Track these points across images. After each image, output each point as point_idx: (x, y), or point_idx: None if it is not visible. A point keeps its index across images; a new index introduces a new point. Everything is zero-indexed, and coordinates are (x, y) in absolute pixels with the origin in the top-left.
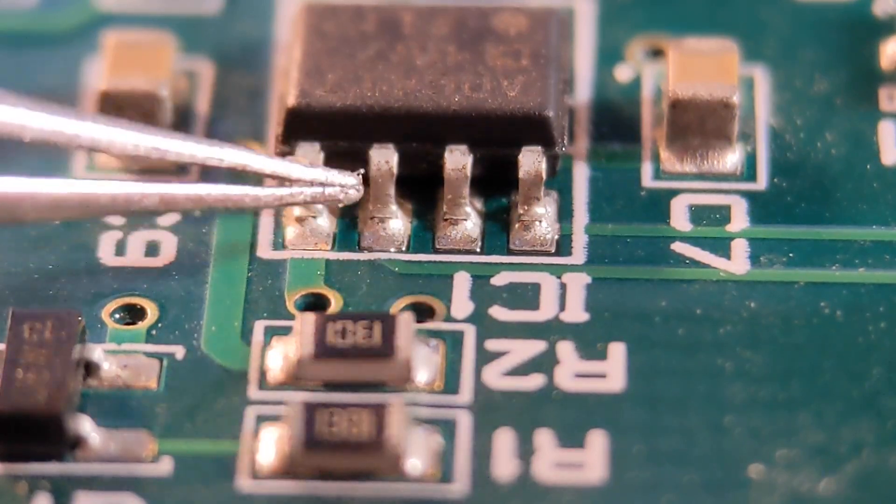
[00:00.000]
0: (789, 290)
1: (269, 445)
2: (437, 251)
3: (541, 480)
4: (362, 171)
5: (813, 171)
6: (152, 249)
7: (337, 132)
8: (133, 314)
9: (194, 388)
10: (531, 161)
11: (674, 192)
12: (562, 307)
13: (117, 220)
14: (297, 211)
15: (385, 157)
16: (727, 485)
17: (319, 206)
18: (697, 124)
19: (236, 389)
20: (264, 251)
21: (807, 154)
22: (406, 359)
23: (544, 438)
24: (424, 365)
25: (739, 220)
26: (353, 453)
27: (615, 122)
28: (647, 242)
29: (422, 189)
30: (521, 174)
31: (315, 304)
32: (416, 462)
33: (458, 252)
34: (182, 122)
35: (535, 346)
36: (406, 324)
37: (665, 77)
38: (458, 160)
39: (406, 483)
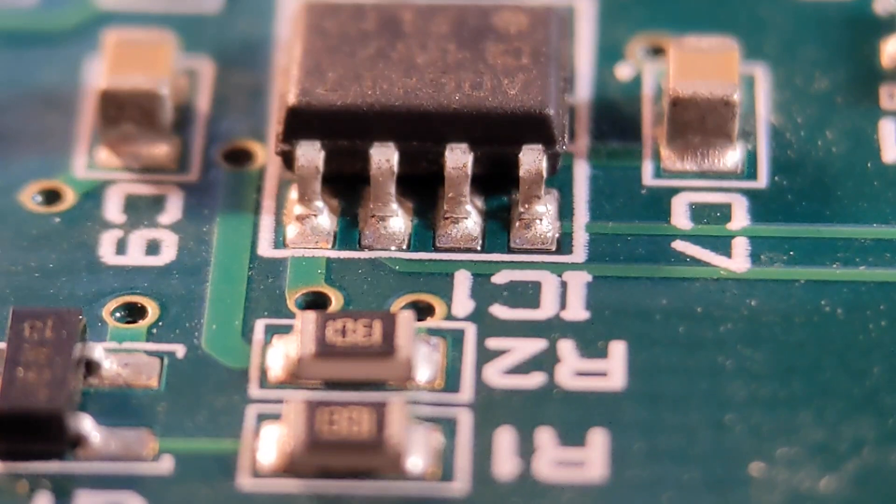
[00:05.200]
0: (790, 289)
1: (269, 444)
2: (437, 249)
3: (541, 479)
4: None
5: (813, 169)
6: (153, 248)
7: (337, 131)
8: (134, 313)
9: (195, 387)
10: (532, 159)
11: (674, 191)
12: (562, 305)
13: (118, 218)
14: (298, 209)
15: (385, 156)
16: (728, 483)
17: (320, 205)
18: (698, 122)
19: (237, 388)
20: (265, 250)
21: (807, 152)
22: (406, 357)
23: (545, 437)
24: (425, 363)
25: (740, 218)
26: (354, 452)
27: (616, 121)
28: (648, 241)
29: (422, 187)
30: (522, 172)
31: (316, 302)
32: (416, 460)
33: (459, 250)
34: (182, 122)
35: (536, 345)
36: (407, 322)
37: (665, 75)
38: (458, 158)
39: (407, 481)
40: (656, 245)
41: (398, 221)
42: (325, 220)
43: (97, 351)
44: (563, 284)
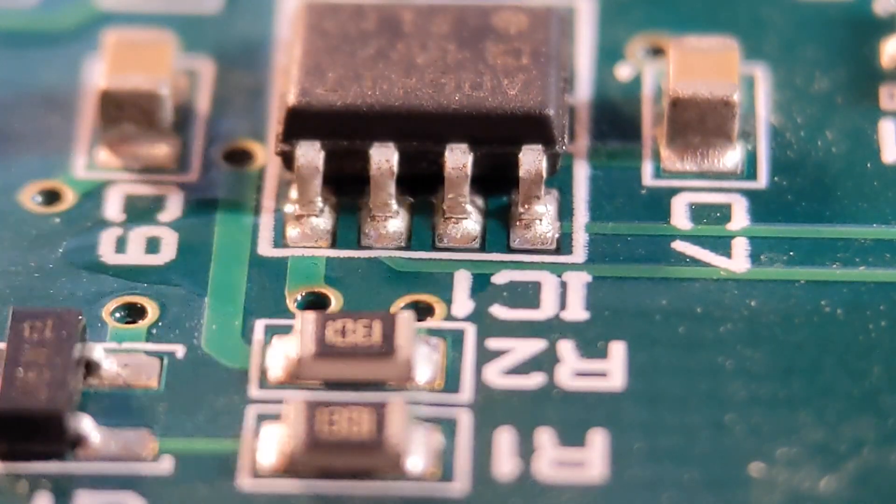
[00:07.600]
0: (790, 289)
1: (269, 444)
2: (437, 249)
3: (541, 479)
4: None
5: (813, 169)
6: (153, 247)
7: (337, 131)
8: (133, 313)
9: (195, 387)
10: (532, 159)
11: (674, 191)
12: (562, 306)
13: (118, 218)
14: (298, 209)
15: (385, 156)
16: (728, 483)
17: (320, 205)
18: (698, 122)
19: (237, 388)
20: (265, 249)
21: (807, 152)
22: (406, 357)
23: (545, 437)
24: (425, 364)
25: (740, 218)
26: (354, 452)
27: (616, 121)
28: (648, 241)
29: (422, 187)
30: (522, 172)
31: (315, 302)
32: (416, 461)
33: (459, 250)
34: (182, 122)
35: (536, 345)
36: (406, 322)
37: (665, 75)
38: (458, 159)
39: (407, 482)
40: (656, 245)
41: (398, 221)
42: (325, 220)
43: (97, 351)
44: (563, 285)
